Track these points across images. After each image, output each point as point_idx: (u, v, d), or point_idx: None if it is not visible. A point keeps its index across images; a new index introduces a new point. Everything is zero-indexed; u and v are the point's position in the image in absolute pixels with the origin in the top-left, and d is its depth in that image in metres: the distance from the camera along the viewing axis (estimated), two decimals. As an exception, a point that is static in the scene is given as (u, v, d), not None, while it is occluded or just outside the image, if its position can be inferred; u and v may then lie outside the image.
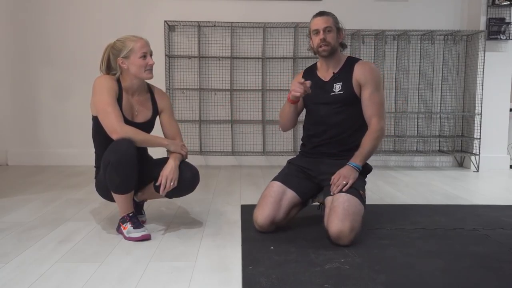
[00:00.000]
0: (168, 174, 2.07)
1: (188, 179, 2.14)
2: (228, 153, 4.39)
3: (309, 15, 2.26)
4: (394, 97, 4.41)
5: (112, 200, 2.15)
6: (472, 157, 4.28)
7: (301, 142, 2.42)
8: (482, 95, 4.20)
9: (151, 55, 2.18)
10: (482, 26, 4.19)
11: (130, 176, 2.03)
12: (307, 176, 2.27)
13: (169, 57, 4.30)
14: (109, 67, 2.20)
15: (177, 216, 2.53)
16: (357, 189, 2.08)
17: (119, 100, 2.12)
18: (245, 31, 4.34)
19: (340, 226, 1.94)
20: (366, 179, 2.25)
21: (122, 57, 2.12)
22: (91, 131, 2.23)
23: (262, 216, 2.14)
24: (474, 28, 4.25)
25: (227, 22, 4.21)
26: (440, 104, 4.44)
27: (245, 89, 4.39)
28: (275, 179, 2.28)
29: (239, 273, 1.72)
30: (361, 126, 2.23)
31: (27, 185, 3.36)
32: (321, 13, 2.24)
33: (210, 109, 4.41)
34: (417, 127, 4.49)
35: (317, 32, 2.21)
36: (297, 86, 2.13)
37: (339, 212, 1.97)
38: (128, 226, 2.09)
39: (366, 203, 2.18)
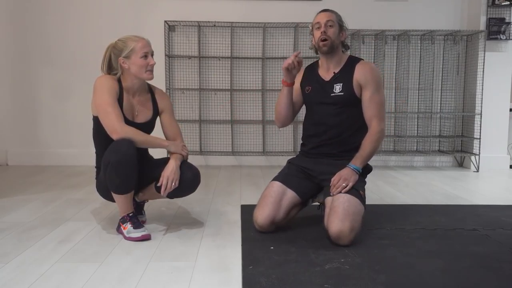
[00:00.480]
0: (169, 175, 2.07)
1: (189, 180, 2.14)
2: (228, 153, 4.39)
3: (309, 15, 2.26)
4: (394, 97, 4.41)
5: (112, 200, 2.15)
6: (472, 157, 4.28)
7: (301, 142, 2.42)
8: (482, 95, 4.20)
9: (152, 55, 2.18)
10: (482, 26, 4.19)
11: (130, 176, 2.03)
12: (307, 176, 2.27)
13: (169, 57, 4.30)
14: (110, 67, 2.20)
15: (177, 216, 2.53)
16: (357, 189, 2.08)
17: (119, 100, 2.12)
18: (245, 31, 4.34)
19: (340, 226, 1.94)
20: (366, 179, 2.25)
21: (123, 57, 2.12)
22: (91, 131, 2.23)
23: (262, 216, 2.14)
24: (474, 28, 4.25)
25: (227, 22, 4.21)
26: (440, 104, 4.44)
27: (245, 89, 4.39)
28: (275, 179, 2.28)
29: (239, 273, 1.72)
30: (361, 127, 2.23)
31: (27, 185, 3.36)
32: (325, 10, 2.24)
33: (210, 109, 4.41)
34: (417, 127, 4.49)
35: (319, 26, 2.20)
36: (289, 58, 2.18)
37: (339, 212, 1.97)
38: (128, 226, 2.10)
39: (366, 203, 2.18)
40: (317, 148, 2.28)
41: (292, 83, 2.27)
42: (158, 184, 2.09)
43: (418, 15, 4.36)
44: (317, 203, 2.38)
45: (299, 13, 4.22)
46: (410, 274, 1.71)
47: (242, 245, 2.03)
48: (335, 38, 2.19)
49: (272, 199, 2.17)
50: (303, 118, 2.41)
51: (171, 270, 1.75)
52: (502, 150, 4.36)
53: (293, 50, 4.34)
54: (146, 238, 2.09)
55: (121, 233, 2.13)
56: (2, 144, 4.34)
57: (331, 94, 2.22)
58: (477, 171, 4.21)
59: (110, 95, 2.07)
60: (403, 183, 3.59)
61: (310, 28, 2.28)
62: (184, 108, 4.38)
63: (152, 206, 2.69)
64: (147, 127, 2.23)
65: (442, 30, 4.20)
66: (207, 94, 4.40)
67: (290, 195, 2.21)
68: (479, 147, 4.19)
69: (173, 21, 4.20)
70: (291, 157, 2.52)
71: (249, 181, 3.61)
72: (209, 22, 4.21)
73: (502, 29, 4.16)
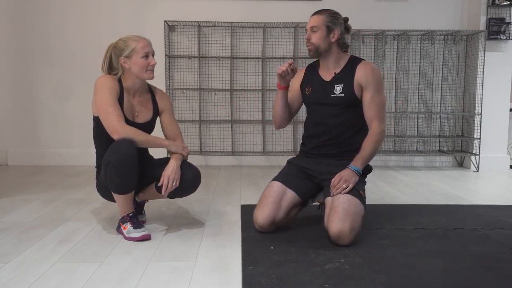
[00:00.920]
0: (170, 175, 2.07)
1: (189, 180, 2.14)
2: (228, 153, 4.39)
3: (309, 15, 2.26)
4: (394, 97, 4.41)
5: (113, 200, 2.15)
6: (472, 157, 4.28)
7: (301, 142, 2.42)
8: (482, 95, 4.20)
9: (153, 55, 2.18)
10: (482, 26, 4.19)
11: (130, 176, 2.03)
12: (307, 176, 2.27)
13: (169, 57, 4.30)
14: (111, 67, 2.20)
15: (177, 216, 2.53)
16: (357, 189, 2.08)
17: (120, 100, 2.12)
18: (245, 31, 4.34)
19: (340, 226, 1.94)
20: (366, 179, 2.25)
21: (124, 57, 2.12)
22: (91, 131, 2.23)
23: (262, 216, 2.14)
24: (474, 28, 4.25)
25: (227, 22, 4.21)
26: (440, 104, 4.44)
27: (245, 89, 4.39)
28: (275, 179, 2.28)
29: (239, 273, 1.72)
30: (362, 128, 2.23)
31: (27, 185, 3.36)
32: (316, 12, 2.24)
33: (210, 109, 4.41)
34: (417, 127, 4.49)
35: (307, 31, 2.24)
36: (283, 65, 2.21)
37: (339, 212, 1.97)
38: (128, 226, 2.10)
39: (366, 203, 2.18)
40: (317, 149, 2.28)
41: (287, 87, 2.30)
42: (159, 184, 2.09)
43: (418, 15, 4.36)
44: (317, 203, 2.37)
45: (299, 13, 4.22)
46: (410, 274, 1.71)
47: (242, 245, 2.03)
48: (321, 43, 2.19)
49: (272, 199, 2.17)
50: (304, 118, 2.41)
51: (171, 270, 1.75)
52: (502, 150, 4.36)
53: (293, 50, 4.35)
54: (146, 238, 2.09)
55: (121, 233, 2.13)
56: (2, 144, 4.34)
57: (331, 95, 2.22)
58: (477, 171, 4.21)
59: (110, 95, 2.08)
60: (403, 183, 3.59)
61: None
62: (184, 108, 4.38)
63: (152, 206, 2.69)
64: (147, 127, 2.23)
65: (442, 30, 4.20)
66: (207, 94, 4.40)
67: (290, 195, 2.21)
68: (479, 147, 4.19)
69: (173, 21, 4.20)
70: (291, 157, 2.52)
71: (249, 181, 3.61)
72: (209, 22, 4.21)
73: (502, 29, 4.16)
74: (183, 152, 2.18)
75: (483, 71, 4.17)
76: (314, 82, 2.30)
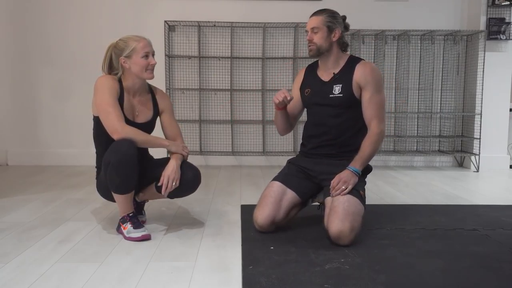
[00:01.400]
0: (170, 174, 2.07)
1: (189, 179, 2.15)
2: (228, 153, 4.39)
3: (309, 15, 2.26)
4: (394, 97, 4.41)
5: (113, 200, 2.15)
6: (472, 157, 4.28)
7: (301, 142, 2.42)
8: (482, 95, 4.20)
9: (153, 55, 2.18)
10: (482, 26, 4.19)
11: (130, 176, 2.03)
12: (307, 176, 2.27)
13: (169, 57, 4.30)
14: (111, 67, 2.20)
15: (177, 216, 2.53)
16: (357, 189, 2.08)
17: (120, 100, 2.12)
18: (245, 31, 4.34)
19: (340, 226, 1.94)
20: (366, 179, 2.25)
21: (124, 57, 2.12)
22: (91, 131, 2.23)
23: (262, 216, 2.14)
24: (474, 28, 4.25)
25: (227, 22, 4.21)
26: (440, 104, 4.44)
27: (245, 89, 4.39)
28: (275, 179, 2.28)
29: (239, 273, 1.72)
30: (362, 128, 2.22)
31: (27, 185, 3.36)
32: (315, 13, 2.24)
33: (210, 109, 4.41)
34: (417, 127, 4.49)
35: (307, 32, 2.23)
36: (279, 94, 2.19)
37: (339, 212, 1.97)
38: (128, 226, 2.10)
39: (366, 203, 2.18)
40: (316, 149, 2.28)
41: (284, 107, 2.29)
42: (159, 184, 2.09)
43: (418, 15, 4.35)
44: (317, 203, 2.37)
45: (299, 13, 4.22)
46: (410, 274, 1.71)
47: (242, 245, 2.03)
48: (322, 43, 2.19)
49: (272, 199, 2.17)
50: (304, 118, 2.41)
51: (171, 270, 1.75)
52: (502, 150, 4.36)
53: (293, 50, 4.35)
54: (146, 238, 2.09)
55: (121, 233, 2.13)
56: (2, 144, 4.34)
57: (330, 96, 2.22)
58: (477, 171, 4.21)
59: (111, 95, 2.08)
60: (403, 183, 3.59)
61: None
62: (184, 108, 4.38)
63: (152, 206, 2.69)
64: (148, 127, 2.23)
65: (442, 30, 4.20)
66: (207, 94, 4.40)
67: (290, 195, 2.21)
68: (479, 147, 4.19)
69: (173, 21, 4.20)
70: (291, 157, 2.52)
71: (249, 181, 3.61)
72: (209, 22, 4.21)
73: (502, 29, 4.16)
74: (183, 152, 2.19)
75: (483, 71, 4.17)
76: (313, 83, 2.30)
